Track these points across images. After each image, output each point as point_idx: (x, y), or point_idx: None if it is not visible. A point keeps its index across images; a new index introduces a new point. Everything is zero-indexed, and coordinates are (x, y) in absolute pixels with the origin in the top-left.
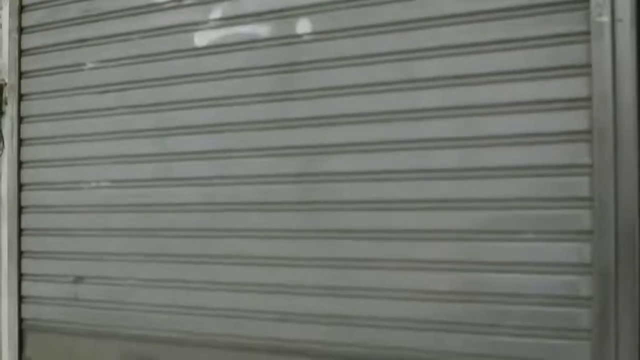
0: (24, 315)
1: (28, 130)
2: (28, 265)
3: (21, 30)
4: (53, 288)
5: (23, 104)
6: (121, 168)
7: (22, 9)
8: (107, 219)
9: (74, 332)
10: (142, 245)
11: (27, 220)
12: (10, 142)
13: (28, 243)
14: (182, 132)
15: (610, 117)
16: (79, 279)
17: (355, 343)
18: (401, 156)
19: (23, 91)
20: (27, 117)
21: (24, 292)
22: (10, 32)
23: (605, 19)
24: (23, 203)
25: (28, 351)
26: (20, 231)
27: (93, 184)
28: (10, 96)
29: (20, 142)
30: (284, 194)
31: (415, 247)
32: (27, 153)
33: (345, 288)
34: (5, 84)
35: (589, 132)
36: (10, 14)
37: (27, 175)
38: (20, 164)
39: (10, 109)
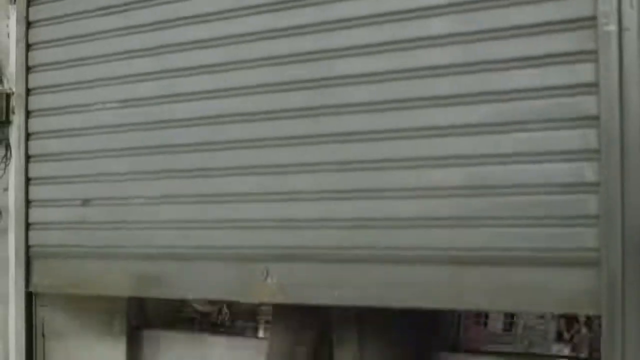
0: (31, 242)
1: (36, 58)
2: (35, 192)
3: (28, 36)
4: (60, 213)
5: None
6: (127, 88)
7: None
8: (114, 140)
9: (81, 256)
10: (148, 163)
11: (34, 147)
12: (18, 71)
13: (35, 170)
14: (185, 47)
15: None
16: (86, 202)
17: (363, 245)
18: (404, 55)
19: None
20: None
21: (31, 219)
22: (17, 41)
23: (613, 28)
24: (30, 130)
25: (35, 278)
26: (27, 158)
27: (99, 106)
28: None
29: (28, 69)
30: (290, 101)
31: (420, 144)
32: (34, 80)
33: (351, 191)
34: (13, 93)
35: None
36: (17, 21)
37: (34, 102)
38: (28, 91)
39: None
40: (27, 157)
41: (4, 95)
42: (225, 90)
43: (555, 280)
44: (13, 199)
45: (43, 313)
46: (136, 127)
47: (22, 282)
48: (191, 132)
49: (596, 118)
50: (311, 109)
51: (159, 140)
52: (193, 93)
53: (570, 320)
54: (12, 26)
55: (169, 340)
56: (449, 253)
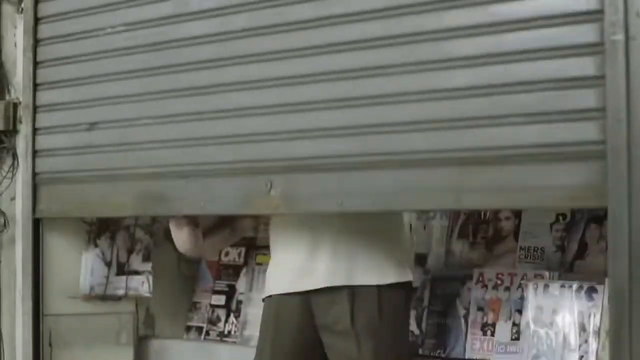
0: (38, 169)
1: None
2: (42, 119)
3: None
4: (67, 138)
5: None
6: (132, 11)
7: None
8: (122, 62)
9: (87, 180)
10: (156, 83)
11: (42, 75)
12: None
13: (42, 98)
14: None
15: (624, 133)
16: (93, 125)
17: (365, 152)
18: None
19: None
20: None
21: (37, 147)
22: (24, 50)
23: (620, 37)
24: (38, 59)
25: (41, 204)
26: (35, 86)
27: (108, 30)
28: None
29: (36, 64)
30: (289, 14)
31: (421, 47)
32: (42, 10)
33: (352, 99)
34: (20, 102)
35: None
36: (24, 31)
37: (43, 31)
38: (36, 20)
39: None
40: (36, 19)
41: (11, 105)
42: (235, 6)
43: (561, 176)
44: (20, 208)
45: (50, 322)
46: (139, 49)
47: (29, 302)
48: (192, 51)
49: (599, 12)
50: (309, 20)
51: (162, 60)
52: (195, 12)
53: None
54: (19, 36)
55: (177, 350)
56: (452, 155)
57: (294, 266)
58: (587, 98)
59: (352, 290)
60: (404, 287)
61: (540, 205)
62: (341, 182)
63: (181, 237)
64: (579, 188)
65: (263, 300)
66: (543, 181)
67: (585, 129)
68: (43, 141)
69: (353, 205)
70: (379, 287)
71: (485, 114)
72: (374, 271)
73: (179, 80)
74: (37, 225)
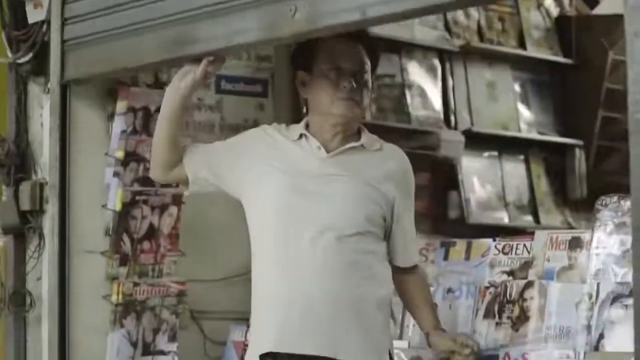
0: (66, 36)
1: None
2: None
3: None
4: (94, 2)
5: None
6: None
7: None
8: None
9: (114, 38)
10: None
11: None
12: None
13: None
14: None
15: None
16: None
17: None
18: None
19: None
20: None
21: (66, 15)
22: (51, 130)
23: None
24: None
25: (69, 71)
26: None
27: None
28: None
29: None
30: None
31: None
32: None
33: None
34: (46, 182)
35: None
36: (51, 112)
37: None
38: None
39: None
40: None
41: (37, 185)
42: None
43: None
44: (46, 288)
45: None
46: None
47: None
48: None
49: None
50: None
51: None
52: None
53: None
54: (46, 116)
55: None
56: None
57: (293, 324)
58: None
59: None
60: None
61: None
62: None
63: (186, 77)
64: None
65: None
66: None
67: None
68: (70, 9)
69: (376, 12)
70: None
71: None
72: (375, 355)
73: None
74: (64, 92)
